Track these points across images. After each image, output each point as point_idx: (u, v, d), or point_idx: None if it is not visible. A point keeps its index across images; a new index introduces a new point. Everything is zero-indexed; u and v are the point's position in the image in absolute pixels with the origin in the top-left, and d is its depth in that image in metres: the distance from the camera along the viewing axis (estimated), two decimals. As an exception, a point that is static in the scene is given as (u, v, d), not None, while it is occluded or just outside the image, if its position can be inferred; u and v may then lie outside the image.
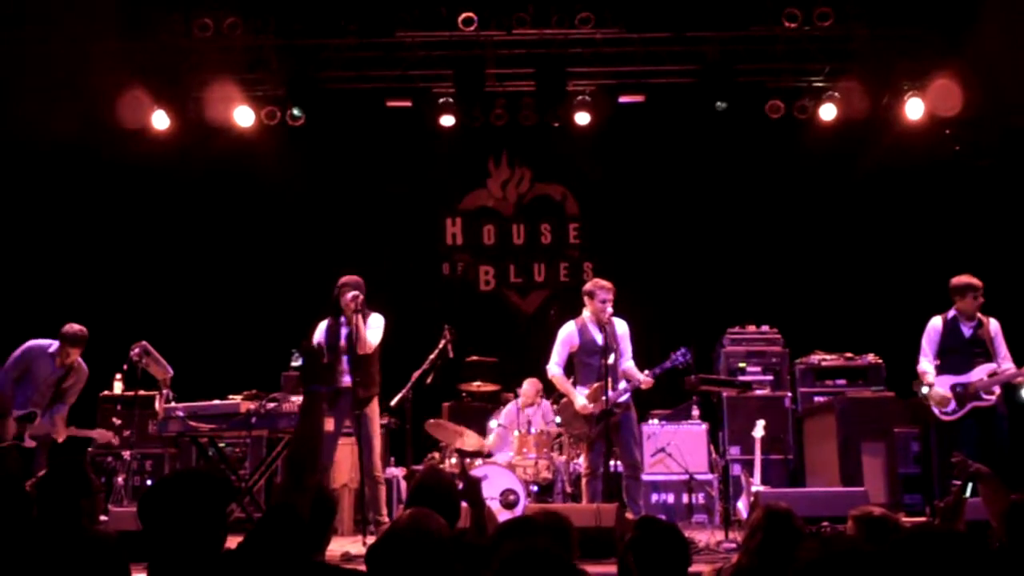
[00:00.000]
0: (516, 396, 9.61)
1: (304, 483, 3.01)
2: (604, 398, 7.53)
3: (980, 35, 9.18)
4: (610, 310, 7.79)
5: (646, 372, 7.77)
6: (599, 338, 7.81)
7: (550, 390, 9.59)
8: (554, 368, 7.99)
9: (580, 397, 7.81)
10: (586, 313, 7.94)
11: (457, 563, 3.45)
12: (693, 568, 3.73)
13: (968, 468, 4.88)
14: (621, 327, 7.93)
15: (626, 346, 7.92)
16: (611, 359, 7.65)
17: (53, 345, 7.82)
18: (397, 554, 2.81)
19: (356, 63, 10.38)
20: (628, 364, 7.90)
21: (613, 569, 4.22)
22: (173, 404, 7.57)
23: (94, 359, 8.75)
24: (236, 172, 11.07)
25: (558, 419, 9.19)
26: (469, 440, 8.92)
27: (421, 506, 3.81)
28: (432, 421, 9.01)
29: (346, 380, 7.42)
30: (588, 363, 7.86)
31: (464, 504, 4.32)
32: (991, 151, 10.34)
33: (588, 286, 7.99)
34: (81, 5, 9.02)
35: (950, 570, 2.25)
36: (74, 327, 7.79)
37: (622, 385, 7.74)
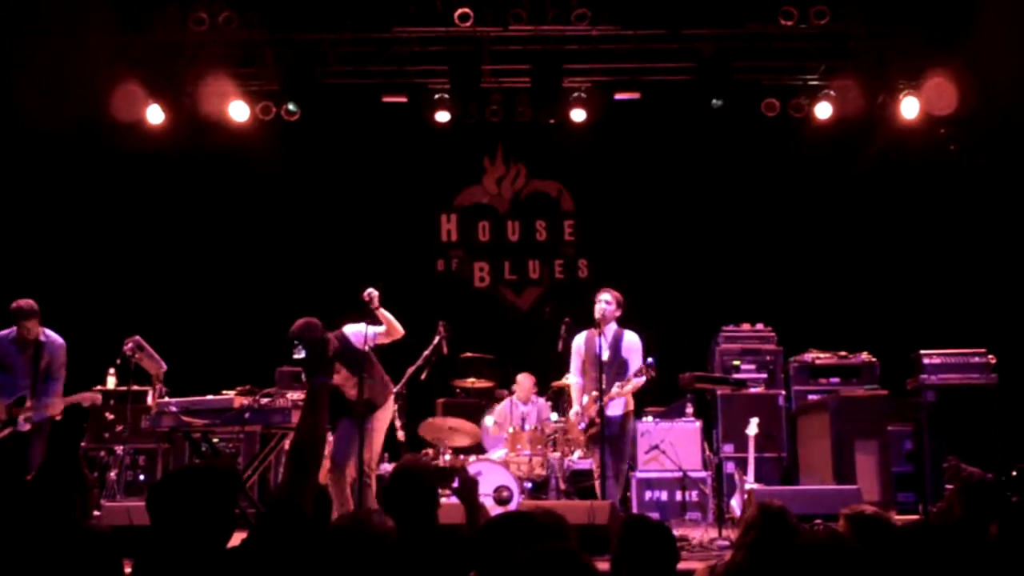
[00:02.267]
0: (511, 392, 9.63)
1: (308, 478, 2.99)
2: (599, 404, 7.61)
3: (975, 34, 9.19)
4: (603, 309, 7.77)
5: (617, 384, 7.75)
6: (604, 352, 7.81)
7: (544, 388, 9.62)
8: (572, 377, 8.14)
9: (575, 406, 7.97)
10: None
11: (450, 557, 3.44)
12: (687, 566, 3.73)
13: (961, 473, 4.89)
14: (628, 340, 7.88)
15: (632, 358, 7.79)
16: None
17: (10, 331, 7.65)
18: (335, 551, 2.78)
19: (352, 58, 10.35)
20: (634, 380, 7.73)
21: (606, 567, 4.22)
22: (166, 399, 7.54)
23: (88, 353, 8.74)
24: (231, 167, 11.05)
25: (554, 415, 9.26)
26: (463, 431, 8.90)
27: (398, 494, 3.78)
28: (428, 422, 8.98)
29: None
30: (591, 373, 7.87)
31: (458, 501, 4.31)
32: (986, 150, 10.36)
33: (599, 293, 7.97)
34: (76, -1, 9.01)
35: (945, 565, 2.25)
36: (20, 302, 7.59)
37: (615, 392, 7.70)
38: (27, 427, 7.45)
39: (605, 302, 7.81)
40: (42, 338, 7.69)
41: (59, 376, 7.74)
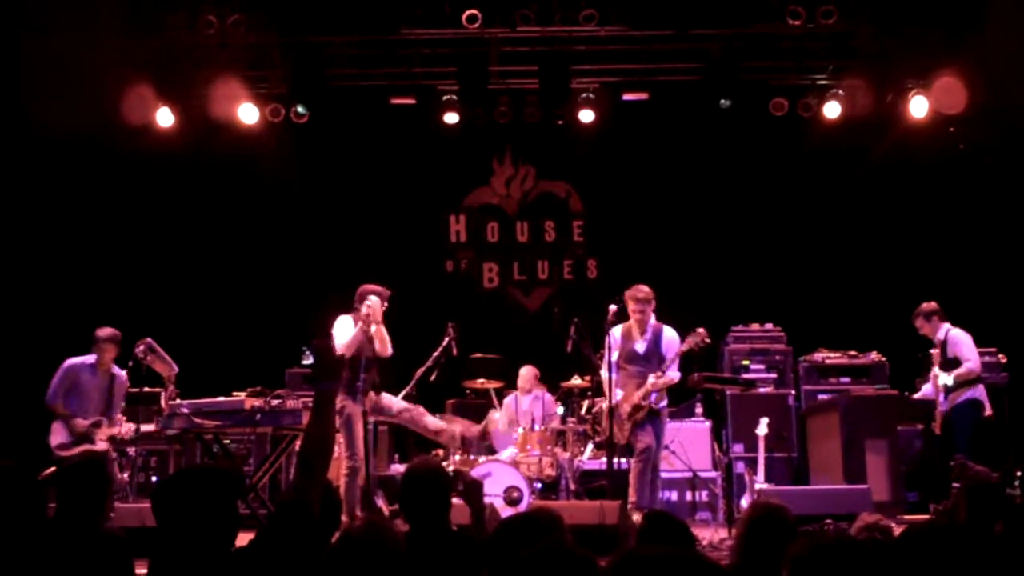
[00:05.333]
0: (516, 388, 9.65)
1: (316, 481, 3.01)
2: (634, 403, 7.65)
3: (984, 33, 9.17)
4: (641, 317, 7.76)
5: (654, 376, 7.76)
6: (640, 346, 7.80)
7: (554, 389, 9.62)
8: (604, 372, 7.90)
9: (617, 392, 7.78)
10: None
11: (462, 558, 3.46)
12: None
13: (967, 471, 4.87)
14: (668, 336, 7.86)
15: (670, 355, 7.79)
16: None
17: (91, 358, 8.03)
18: (346, 563, 2.79)
19: (360, 60, 10.38)
20: (670, 374, 7.80)
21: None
22: (178, 401, 7.58)
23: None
24: (240, 169, 11.08)
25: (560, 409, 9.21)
26: (464, 426, 8.94)
27: (411, 495, 3.80)
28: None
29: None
30: (626, 368, 7.85)
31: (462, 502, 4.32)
32: (995, 149, 10.33)
33: (625, 294, 7.87)
34: (87, 2, 9.03)
35: (949, 563, 2.26)
36: (103, 330, 8.08)
37: (653, 395, 7.73)
38: (104, 446, 7.77)
39: (640, 312, 7.75)
40: (114, 370, 8.10)
41: (120, 406, 8.20)
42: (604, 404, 7.98)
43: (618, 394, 7.78)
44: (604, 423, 7.99)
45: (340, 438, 7.46)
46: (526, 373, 9.54)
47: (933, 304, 8.57)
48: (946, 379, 8.26)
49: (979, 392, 8.30)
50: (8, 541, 3.09)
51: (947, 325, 8.51)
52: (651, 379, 7.67)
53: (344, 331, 7.51)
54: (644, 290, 7.84)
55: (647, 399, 7.68)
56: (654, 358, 7.77)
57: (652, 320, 7.90)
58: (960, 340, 8.39)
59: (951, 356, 8.34)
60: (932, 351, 8.60)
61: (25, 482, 3.40)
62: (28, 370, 9.93)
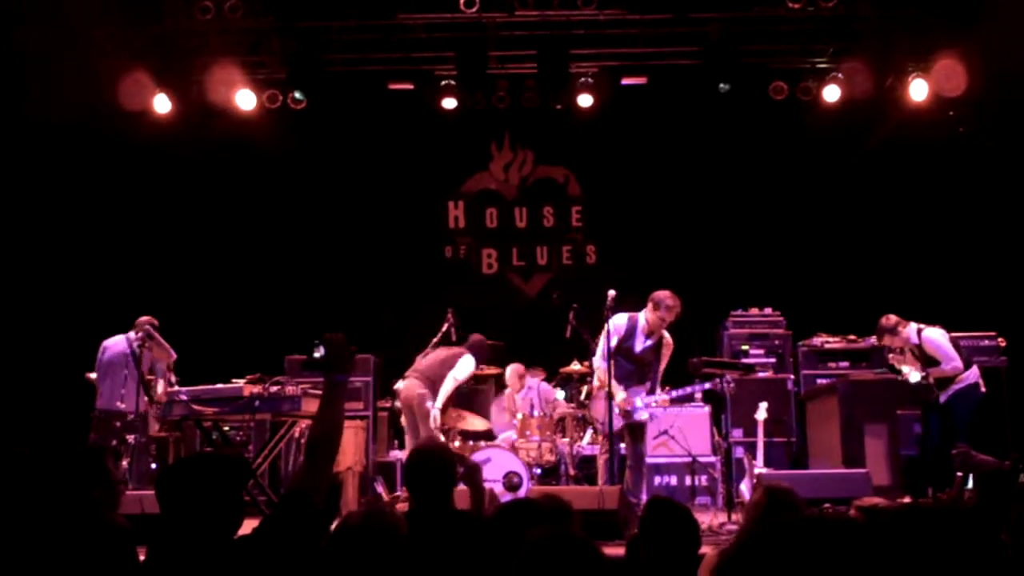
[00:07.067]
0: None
1: (323, 472, 3.00)
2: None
3: (984, 15, 9.13)
4: (662, 325, 7.66)
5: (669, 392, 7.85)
6: (638, 346, 7.78)
7: (553, 374, 9.62)
8: (598, 360, 7.79)
9: (620, 392, 7.68)
10: (643, 317, 7.78)
11: (463, 537, 3.46)
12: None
13: (970, 460, 4.87)
14: (667, 341, 7.81)
15: (664, 360, 7.81)
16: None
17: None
18: (347, 551, 2.79)
19: (358, 46, 10.33)
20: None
21: (616, 551, 4.23)
22: (176, 388, 7.57)
23: (97, 343, 8.78)
24: (238, 155, 11.04)
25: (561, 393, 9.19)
26: (472, 422, 8.94)
27: (417, 474, 3.80)
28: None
29: None
30: (619, 362, 7.77)
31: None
32: (995, 132, 10.31)
33: (658, 295, 7.69)
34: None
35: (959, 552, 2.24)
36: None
37: (654, 397, 7.75)
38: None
39: (664, 321, 7.63)
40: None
41: None
42: (595, 387, 7.99)
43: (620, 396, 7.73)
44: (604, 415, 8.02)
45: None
46: (510, 373, 9.48)
47: (891, 317, 8.28)
48: (916, 376, 8.17)
49: (974, 375, 8.23)
50: (12, 532, 3.08)
51: (913, 326, 8.25)
52: (659, 396, 7.77)
53: (466, 373, 8.08)
54: (678, 302, 7.68)
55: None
56: (646, 359, 7.76)
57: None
58: (935, 342, 8.16)
59: (930, 356, 8.18)
60: (890, 355, 8.42)
61: (30, 471, 3.39)
62: (25, 361, 9.95)
